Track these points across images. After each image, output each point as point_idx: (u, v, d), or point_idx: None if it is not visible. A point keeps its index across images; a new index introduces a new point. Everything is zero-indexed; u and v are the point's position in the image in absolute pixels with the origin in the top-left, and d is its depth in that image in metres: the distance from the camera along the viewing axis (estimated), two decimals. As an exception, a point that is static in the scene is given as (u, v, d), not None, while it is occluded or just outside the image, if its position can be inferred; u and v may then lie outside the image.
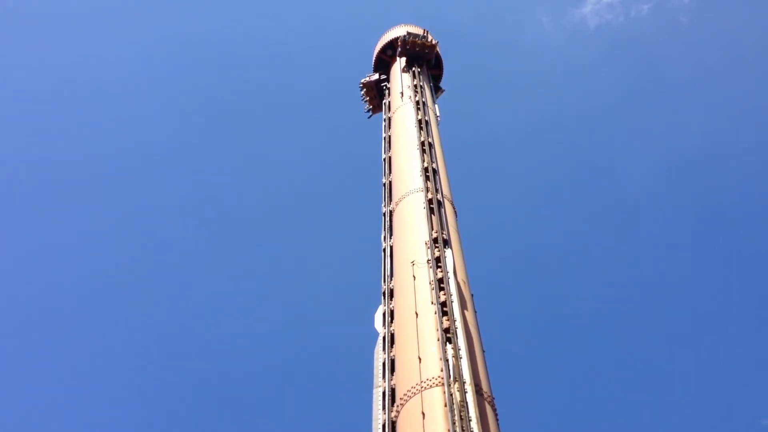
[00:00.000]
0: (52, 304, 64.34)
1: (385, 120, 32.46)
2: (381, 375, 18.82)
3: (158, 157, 75.08)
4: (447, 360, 16.71)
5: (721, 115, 75.98)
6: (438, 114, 31.96)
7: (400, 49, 35.72)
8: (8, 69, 71.31)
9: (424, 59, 35.94)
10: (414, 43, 35.75)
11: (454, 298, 18.73)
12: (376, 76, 37.08)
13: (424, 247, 21.31)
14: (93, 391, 61.49)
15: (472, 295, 21.10)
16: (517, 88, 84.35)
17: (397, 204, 24.88)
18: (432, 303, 18.88)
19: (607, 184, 77.20)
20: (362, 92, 37.35)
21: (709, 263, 70.76)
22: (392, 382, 18.14)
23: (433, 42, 36.32)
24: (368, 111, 37.11)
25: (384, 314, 20.98)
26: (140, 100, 76.04)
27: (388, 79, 36.00)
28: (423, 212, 23.07)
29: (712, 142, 76.04)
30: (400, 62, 35.06)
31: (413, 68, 34.42)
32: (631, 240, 73.26)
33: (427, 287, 19.60)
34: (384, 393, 18.06)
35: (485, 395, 16.90)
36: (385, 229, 25.00)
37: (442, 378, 16.29)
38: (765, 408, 62.84)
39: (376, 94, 36.77)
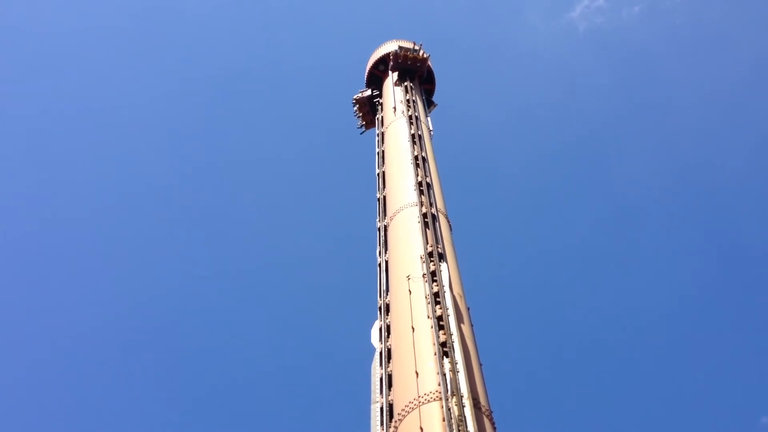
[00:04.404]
0: (52, 305, 64.92)
1: (378, 135, 32.48)
2: (378, 390, 18.73)
3: (160, 174, 75.84)
4: (444, 374, 16.62)
5: (717, 116, 76.35)
6: (431, 128, 32.01)
7: (392, 63, 35.77)
8: (11, 71, 71.77)
9: (417, 73, 36.03)
10: (406, 56, 35.82)
11: (451, 312, 18.68)
12: (368, 92, 37.05)
13: (419, 261, 21.30)
14: (95, 392, 62.14)
15: (468, 309, 21.09)
16: (508, 93, 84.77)
17: (391, 219, 24.88)
18: (428, 317, 18.83)
19: (602, 189, 77.42)
20: (355, 108, 37.36)
21: (708, 263, 70.97)
22: (390, 398, 18.06)
23: (425, 55, 36.38)
24: (361, 126, 37.13)
25: (380, 329, 20.89)
26: (142, 124, 76.83)
27: (380, 95, 36.00)
28: (418, 226, 23.08)
29: (709, 143, 76.44)
30: (393, 77, 35.09)
31: (405, 82, 34.48)
32: (629, 244, 73.41)
33: (423, 301, 19.54)
34: (382, 408, 17.96)
35: (483, 409, 16.84)
36: (380, 244, 24.97)
37: (440, 392, 16.20)
38: (765, 406, 62.89)
39: (369, 109, 36.77)
